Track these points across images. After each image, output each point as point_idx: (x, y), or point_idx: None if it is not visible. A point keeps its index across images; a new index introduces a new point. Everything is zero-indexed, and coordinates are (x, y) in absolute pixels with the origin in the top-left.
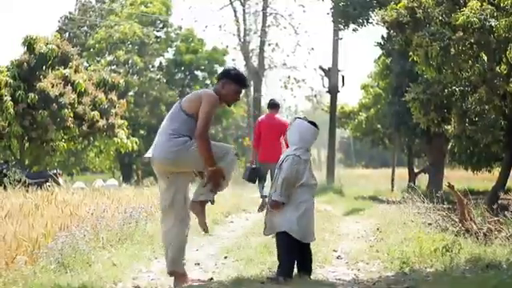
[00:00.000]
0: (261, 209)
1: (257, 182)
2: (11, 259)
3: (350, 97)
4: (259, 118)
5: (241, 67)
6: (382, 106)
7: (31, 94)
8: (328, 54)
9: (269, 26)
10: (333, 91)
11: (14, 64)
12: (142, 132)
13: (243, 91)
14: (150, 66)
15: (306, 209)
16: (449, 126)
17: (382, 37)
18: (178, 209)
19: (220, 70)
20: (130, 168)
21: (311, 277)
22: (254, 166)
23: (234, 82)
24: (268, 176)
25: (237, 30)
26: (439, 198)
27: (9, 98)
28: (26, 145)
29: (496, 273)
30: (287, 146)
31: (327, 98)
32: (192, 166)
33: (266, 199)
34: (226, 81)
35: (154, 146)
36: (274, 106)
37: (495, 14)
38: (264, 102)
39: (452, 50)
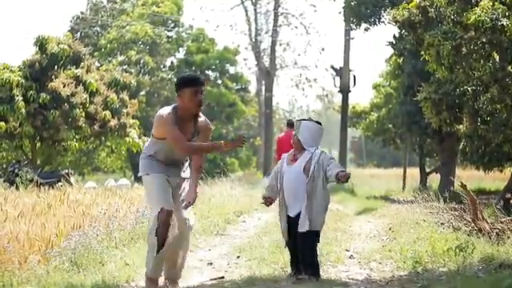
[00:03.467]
0: None
1: None
2: (24, 259)
3: (362, 96)
4: (279, 135)
5: (252, 67)
6: (394, 106)
7: (43, 94)
8: (339, 53)
9: (280, 25)
10: (344, 91)
11: (25, 64)
12: None
13: (202, 89)
14: (162, 65)
15: (327, 210)
16: (460, 126)
17: (394, 36)
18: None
19: (231, 70)
20: None
21: (324, 276)
22: None
23: (185, 86)
24: None
25: (248, 29)
26: (450, 197)
27: (20, 98)
28: (38, 145)
29: (509, 273)
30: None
31: (338, 98)
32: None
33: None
34: (180, 91)
35: None
36: (291, 124)
37: (507, 14)
38: (275, 102)
39: (464, 49)
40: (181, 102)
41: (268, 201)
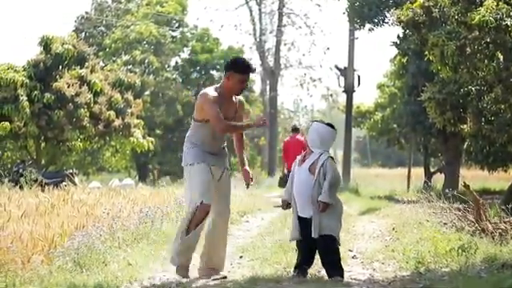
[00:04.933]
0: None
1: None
2: (27, 259)
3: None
4: (285, 139)
5: (257, 66)
6: (398, 106)
7: (47, 94)
8: (344, 53)
9: (284, 25)
10: (349, 91)
11: (30, 64)
12: (157, 131)
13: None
14: (166, 65)
15: (341, 213)
16: (465, 126)
17: (398, 36)
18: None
19: None
20: (146, 167)
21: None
22: (286, 175)
23: (236, 71)
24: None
25: (252, 29)
26: (454, 197)
27: (25, 98)
28: (42, 144)
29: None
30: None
31: (343, 98)
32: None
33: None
34: (229, 73)
35: None
36: (295, 129)
37: (511, 14)
38: (280, 102)
39: (468, 49)
40: (226, 83)
41: (285, 203)
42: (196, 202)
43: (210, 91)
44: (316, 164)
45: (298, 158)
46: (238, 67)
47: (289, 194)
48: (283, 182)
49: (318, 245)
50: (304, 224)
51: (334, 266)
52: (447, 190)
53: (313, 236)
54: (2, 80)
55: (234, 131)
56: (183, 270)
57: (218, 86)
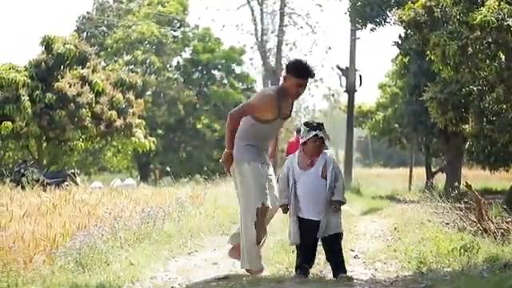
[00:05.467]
0: None
1: None
2: (29, 259)
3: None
4: (289, 140)
5: (258, 66)
6: (400, 106)
7: (49, 94)
8: (345, 53)
9: (286, 25)
10: (350, 90)
11: (31, 64)
12: (159, 131)
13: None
14: (168, 65)
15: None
16: (466, 126)
17: (400, 36)
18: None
19: (237, 69)
20: (147, 167)
21: (328, 276)
22: None
23: (294, 75)
24: None
25: (254, 29)
26: (456, 197)
27: (27, 98)
28: (44, 144)
29: None
30: None
31: (345, 98)
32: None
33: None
34: (287, 75)
35: None
36: (299, 131)
37: None
38: None
39: (469, 49)
40: (284, 83)
41: (286, 208)
42: (256, 205)
43: (269, 91)
44: (326, 167)
45: (293, 159)
46: (296, 71)
47: (287, 197)
48: None
49: (325, 245)
50: (308, 226)
51: (340, 266)
52: (449, 190)
53: (321, 236)
54: (4, 80)
55: (227, 129)
56: (259, 272)
57: (278, 88)
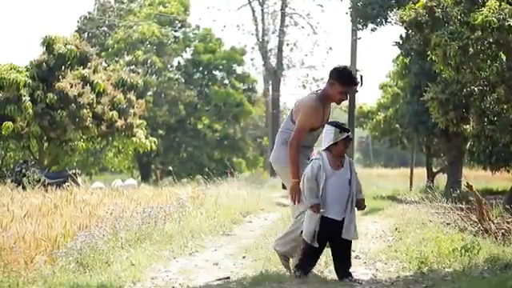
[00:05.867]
0: None
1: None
2: (30, 259)
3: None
4: None
5: (259, 67)
6: (401, 106)
7: (50, 94)
8: (346, 53)
9: (287, 25)
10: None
11: (33, 64)
12: (160, 132)
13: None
14: (169, 65)
15: None
16: (467, 126)
17: (401, 36)
18: (293, 207)
19: (238, 69)
20: (148, 167)
21: (330, 277)
22: None
23: (339, 82)
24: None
25: (255, 29)
26: (457, 197)
27: (28, 98)
28: (45, 145)
29: None
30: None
31: None
32: (283, 176)
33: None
34: (333, 81)
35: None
36: None
37: None
38: (282, 102)
39: (470, 49)
40: (328, 89)
41: (317, 207)
42: (307, 206)
43: (314, 102)
44: (350, 168)
45: (321, 158)
46: (342, 78)
47: (318, 196)
48: None
49: (339, 247)
50: (329, 226)
51: (349, 267)
52: (450, 190)
53: (345, 237)
54: (5, 80)
55: (290, 159)
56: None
57: (320, 91)
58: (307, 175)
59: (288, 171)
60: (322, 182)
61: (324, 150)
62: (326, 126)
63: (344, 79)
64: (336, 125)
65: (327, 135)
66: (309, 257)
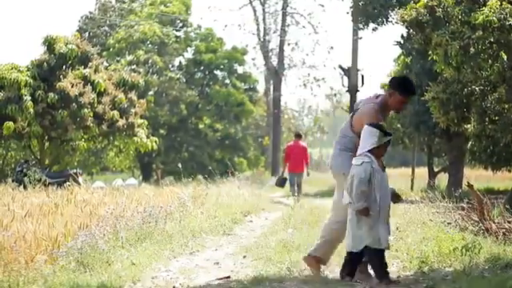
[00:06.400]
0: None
1: (286, 186)
2: (31, 258)
3: None
4: (288, 144)
5: (260, 66)
6: None
7: (51, 94)
8: (347, 52)
9: (288, 25)
10: (352, 90)
11: (33, 64)
12: (161, 131)
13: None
14: (170, 65)
15: None
16: (468, 125)
17: (402, 36)
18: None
19: (240, 69)
20: (149, 167)
21: (330, 276)
22: (284, 177)
23: (400, 92)
24: (295, 181)
25: (256, 29)
26: (458, 197)
27: (29, 98)
28: (46, 144)
29: None
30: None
31: (347, 97)
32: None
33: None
34: (393, 91)
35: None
36: (298, 135)
37: None
38: (284, 101)
39: (472, 49)
40: (387, 98)
41: (366, 211)
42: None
43: (375, 107)
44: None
45: (368, 159)
46: (403, 89)
47: (367, 199)
48: (280, 182)
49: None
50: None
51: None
52: (451, 190)
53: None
54: (6, 80)
55: None
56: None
57: (378, 98)
58: (360, 178)
59: (343, 179)
60: (376, 185)
61: (367, 151)
62: (368, 128)
63: (405, 89)
64: (380, 127)
65: (370, 137)
66: (382, 262)
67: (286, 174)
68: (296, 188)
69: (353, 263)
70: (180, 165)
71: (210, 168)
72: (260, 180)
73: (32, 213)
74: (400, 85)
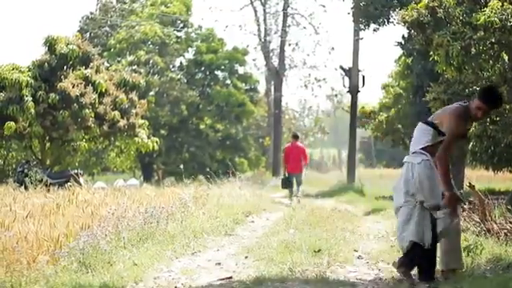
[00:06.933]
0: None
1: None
2: (33, 259)
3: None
4: (286, 145)
5: (261, 67)
6: (403, 106)
7: (52, 95)
8: (348, 53)
9: (289, 25)
10: (353, 91)
11: (35, 64)
12: (162, 132)
13: None
14: (171, 65)
15: None
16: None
17: (403, 36)
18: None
19: (240, 70)
20: (150, 168)
21: (332, 277)
22: (287, 177)
23: (487, 104)
24: (293, 181)
25: (257, 29)
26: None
27: (30, 99)
28: (47, 145)
29: None
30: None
31: (348, 98)
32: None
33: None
34: (481, 101)
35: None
36: (296, 136)
37: None
38: (284, 102)
39: (473, 49)
40: (473, 107)
41: (439, 207)
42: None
43: (462, 112)
44: None
45: (429, 157)
46: (491, 101)
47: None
48: (284, 184)
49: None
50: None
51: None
52: None
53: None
54: (7, 80)
55: (441, 171)
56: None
57: (464, 104)
58: (428, 176)
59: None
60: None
61: (421, 149)
62: (422, 126)
63: (493, 101)
64: (434, 126)
65: (424, 135)
66: (431, 259)
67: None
68: (296, 188)
69: (413, 258)
70: (181, 166)
71: (211, 168)
72: (261, 180)
73: (33, 213)
74: (489, 97)
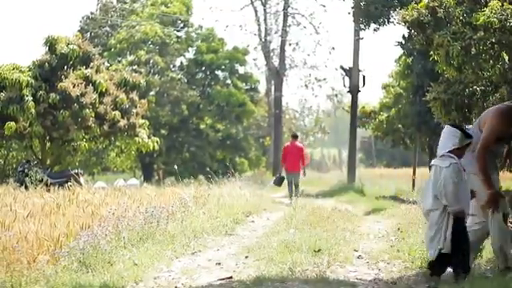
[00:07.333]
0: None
1: (284, 185)
2: (33, 258)
3: (371, 96)
4: (285, 145)
5: (262, 67)
6: (403, 106)
7: (52, 94)
8: (349, 53)
9: (289, 25)
10: (354, 91)
11: (35, 64)
12: (163, 132)
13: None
14: (171, 65)
15: None
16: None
17: (403, 36)
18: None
19: (241, 69)
20: (151, 167)
21: (332, 276)
22: (282, 176)
23: None
24: (292, 180)
25: (258, 29)
26: None
27: (30, 98)
28: (48, 145)
29: None
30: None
31: (348, 98)
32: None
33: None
34: None
35: None
36: (295, 136)
37: None
38: (285, 102)
39: (473, 49)
40: None
41: (464, 213)
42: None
43: (505, 110)
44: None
45: (457, 161)
46: None
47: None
48: (277, 181)
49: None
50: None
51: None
52: None
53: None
54: (8, 80)
55: (480, 169)
56: None
57: (510, 104)
58: (453, 180)
59: (475, 179)
60: (466, 185)
61: (448, 152)
62: (449, 128)
63: None
64: (462, 129)
65: (451, 138)
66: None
67: (284, 174)
68: (293, 187)
69: (443, 264)
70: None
71: (212, 168)
72: (261, 180)
73: (34, 213)
74: None
